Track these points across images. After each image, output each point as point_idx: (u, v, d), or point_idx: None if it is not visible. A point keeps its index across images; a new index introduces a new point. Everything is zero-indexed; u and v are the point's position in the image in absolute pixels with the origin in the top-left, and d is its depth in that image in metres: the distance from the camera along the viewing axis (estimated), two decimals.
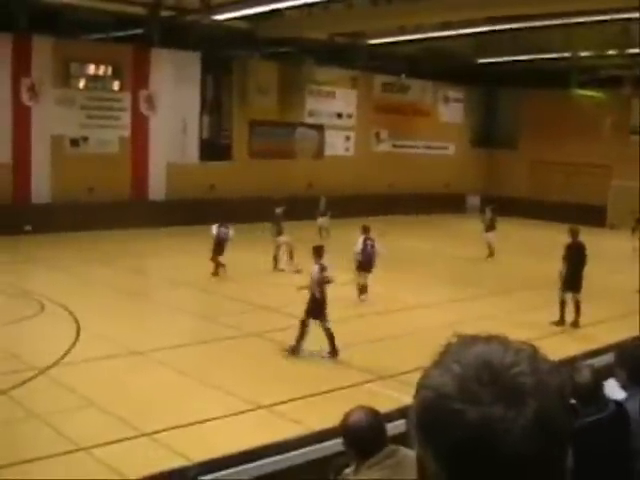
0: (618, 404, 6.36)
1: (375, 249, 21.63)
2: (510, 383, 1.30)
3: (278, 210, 26.51)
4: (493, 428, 1.26)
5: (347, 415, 4.93)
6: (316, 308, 15.75)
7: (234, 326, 18.17)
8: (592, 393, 5.91)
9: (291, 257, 25.33)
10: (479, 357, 1.34)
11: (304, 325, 15.73)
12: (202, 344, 17.06)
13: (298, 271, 22.83)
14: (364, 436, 4.68)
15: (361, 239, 21.71)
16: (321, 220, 32.70)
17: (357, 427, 4.75)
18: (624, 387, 6.46)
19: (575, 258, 19.51)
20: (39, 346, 16.19)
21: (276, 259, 25.42)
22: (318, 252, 16.33)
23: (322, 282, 15.89)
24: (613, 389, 6.79)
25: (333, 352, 15.75)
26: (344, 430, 4.87)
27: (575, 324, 19.37)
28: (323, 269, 16.00)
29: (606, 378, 7.20)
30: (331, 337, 15.67)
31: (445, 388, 1.32)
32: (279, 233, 25.94)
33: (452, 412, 1.29)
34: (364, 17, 32.70)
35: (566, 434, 1.34)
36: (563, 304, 19.51)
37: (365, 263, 21.48)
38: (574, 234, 19.94)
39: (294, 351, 15.79)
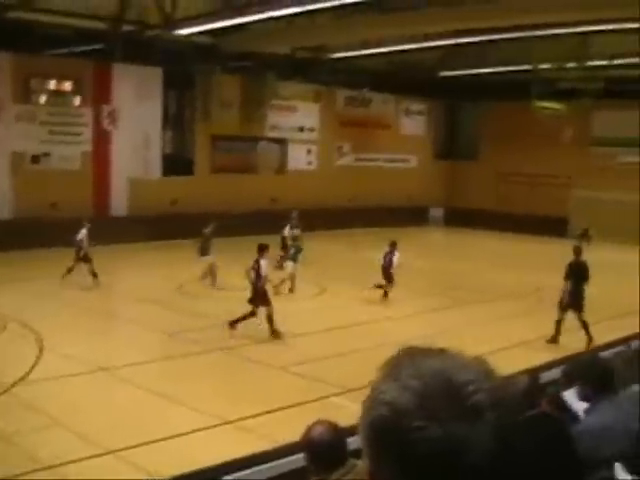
0: (556, 404, 6.67)
1: (262, 275, 18.82)
2: (469, 399, 1.32)
3: (206, 230, 25.54)
4: (455, 444, 1.28)
5: (308, 430, 4.93)
6: None
7: (200, 341, 18.13)
8: (527, 399, 6.14)
9: (210, 276, 24.70)
10: (437, 373, 1.35)
11: None
12: (168, 360, 17.01)
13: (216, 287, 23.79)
14: (325, 450, 4.68)
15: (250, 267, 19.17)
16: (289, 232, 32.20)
17: (318, 442, 4.75)
18: (586, 398, 6.59)
19: (576, 277, 19.04)
20: (1, 365, 16.05)
21: (206, 276, 24.85)
22: None
23: None
24: (573, 400, 6.91)
25: None
26: (305, 445, 4.87)
27: (589, 342, 18.37)
28: None
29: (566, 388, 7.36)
30: None
31: (403, 404, 1.33)
32: (205, 252, 25.00)
33: (413, 429, 1.30)
34: (327, 31, 32.80)
35: (522, 445, 1.37)
36: (559, 322, 18.94)
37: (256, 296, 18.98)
38: (577, 252, 19.59)
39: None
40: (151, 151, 36.26)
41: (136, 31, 33.16)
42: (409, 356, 1.42)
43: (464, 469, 1.29)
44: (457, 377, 1.35)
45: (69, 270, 24.17)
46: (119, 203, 35.09)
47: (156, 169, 36.47)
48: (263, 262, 18.89)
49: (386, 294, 23.63)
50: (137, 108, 35.17)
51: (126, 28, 32.93)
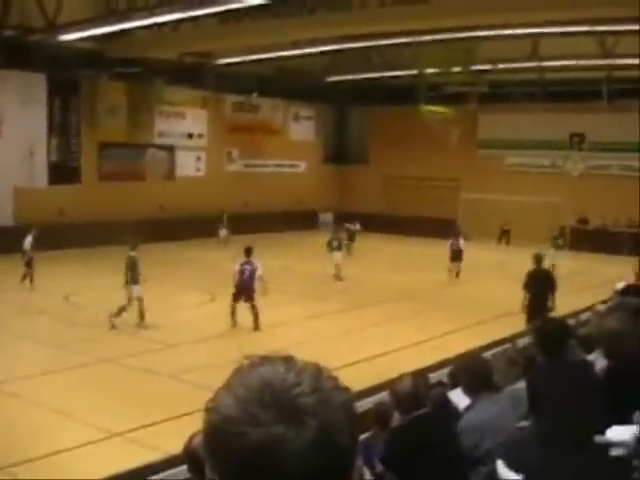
0: (440, 404, 6.86)
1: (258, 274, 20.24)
2: (290, 403, 1.33)
3: (133, 253, 20.58)
4: (274, 449, 1.30)
5: (190, 439, 4.85)
6: None
7: (86, 353, 17.79)
8: (412, 400, 6.26)
9: (142, 315, 20.32)
10: (262, 379, 1.37)
11: None
12: (54, 373, 16.62)
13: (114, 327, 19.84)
14: None
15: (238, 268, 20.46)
16: (223, 232, 38.13)
17: (199, 451, 4.66)
18: (469, 397, 6.72)
19: (538, 287, 17.57)
20: None
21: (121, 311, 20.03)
22: None
23: None
24: (459, 398, 7.06)
25: None
26: (188, 455, 4.79)
27: None
28: None
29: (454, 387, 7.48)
30: None
31: (229, 411, 1.35)
32: (134, 281, 20.28)
33: (235, 435, 1.31)
34: (213, 37, 32.70)
35: (351, 450, 1.37)
36: None
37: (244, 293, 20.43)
38: (538, 261, 18.28)
39: None
40: (37, 159, 35.46)
41: (19, 36, 32.42)
42: (246, 365, 1.43)
43: (283, 475, 1.29)
44: (283, 382, 1.36)
45: (25, 277, 25.18)
46: (4, 213, 34.18)
47: (42, 177, 35.69)
48: (257, 263, 20.41)
49: (457, 274, 29.18)
50: (21, 116, 34.37)
51: (8, 33, 32.19)
